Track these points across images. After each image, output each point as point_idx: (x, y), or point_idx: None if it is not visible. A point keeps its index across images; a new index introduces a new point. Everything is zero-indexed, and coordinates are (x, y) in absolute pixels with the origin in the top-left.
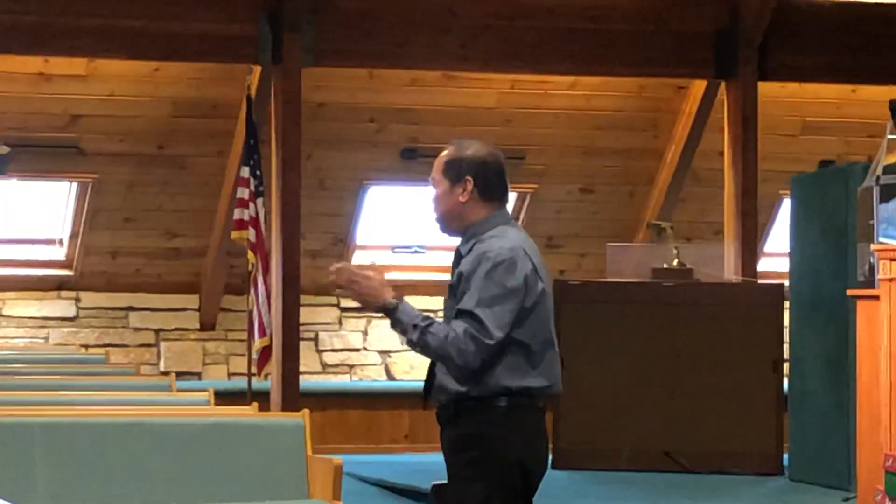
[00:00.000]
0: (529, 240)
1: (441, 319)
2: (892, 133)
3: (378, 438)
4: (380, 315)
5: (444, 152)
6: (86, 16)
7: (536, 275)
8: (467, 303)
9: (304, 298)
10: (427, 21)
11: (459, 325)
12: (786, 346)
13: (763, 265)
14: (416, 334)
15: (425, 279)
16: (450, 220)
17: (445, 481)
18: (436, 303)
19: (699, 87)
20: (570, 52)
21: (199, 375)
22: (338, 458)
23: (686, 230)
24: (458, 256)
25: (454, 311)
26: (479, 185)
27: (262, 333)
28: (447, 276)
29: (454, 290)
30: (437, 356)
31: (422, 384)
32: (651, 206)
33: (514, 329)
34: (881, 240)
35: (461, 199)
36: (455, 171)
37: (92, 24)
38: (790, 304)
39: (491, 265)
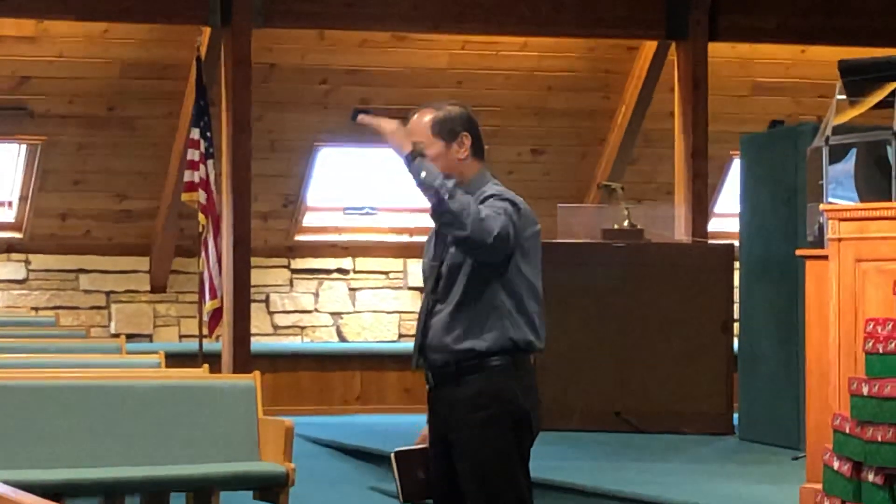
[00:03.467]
0: None
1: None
2: (841, 93)
3: (329, 400)
4: (332, 275)
5: (420, 115)
6: None
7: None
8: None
9: (255, 260)
10: None
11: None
12: (736, 307)
13: (713, 226)
14: (446, 189)
15: (377, 240)
16: None
17: (408, 448)
18: (387, 264)
19: (650, 47)
20: (521, 12)
21: (150, 337)
22: (289, 420)
23: (637, 191)
24: None
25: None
26: (473, 141)
27: (214, 295)
28: (399, 238)
29: (441, 252)
30: (460, 212)
31: (374, 346)
32: (602, 166)
33: (520, 277)
34: (830, 200)
35: (460, 156)
36: (447, 130)
37: None
38: (740, 265)
39: (509, 203)
